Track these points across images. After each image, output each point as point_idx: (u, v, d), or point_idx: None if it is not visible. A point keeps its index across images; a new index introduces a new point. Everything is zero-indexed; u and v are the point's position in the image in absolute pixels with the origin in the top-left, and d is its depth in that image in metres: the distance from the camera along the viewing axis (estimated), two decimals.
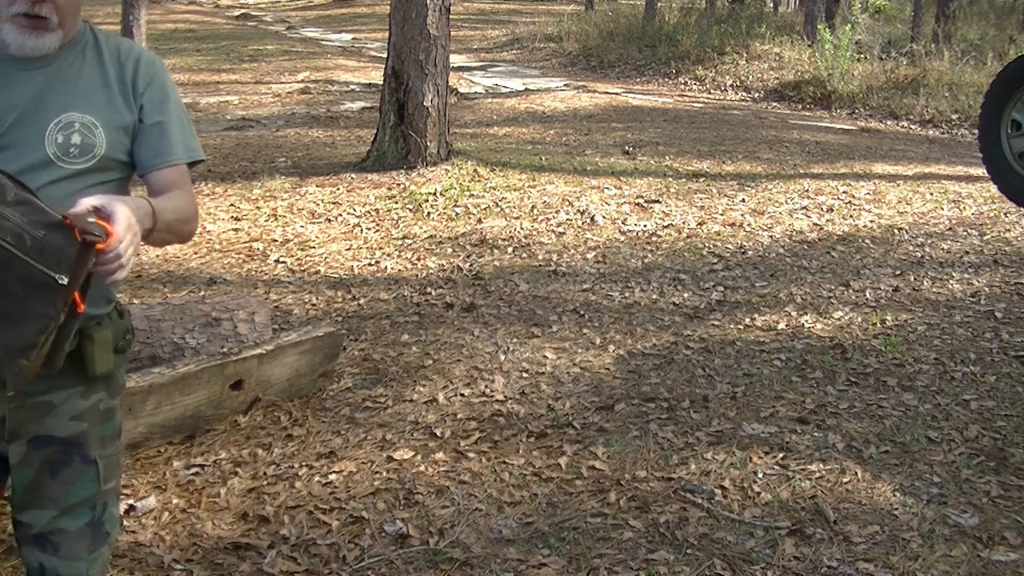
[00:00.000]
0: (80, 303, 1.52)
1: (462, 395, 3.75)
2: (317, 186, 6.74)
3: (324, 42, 17.69)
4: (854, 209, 6.43)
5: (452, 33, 7.46)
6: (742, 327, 4.46)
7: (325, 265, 5.26)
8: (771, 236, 5.87)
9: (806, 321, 4.53)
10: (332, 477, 3.11)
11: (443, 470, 3.17)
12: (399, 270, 5.23)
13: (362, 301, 4.76)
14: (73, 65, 1.80)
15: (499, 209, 6.26)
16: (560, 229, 5.93)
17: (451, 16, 7.23)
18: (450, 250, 5.54)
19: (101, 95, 1.81)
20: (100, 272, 1.52)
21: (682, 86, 13.51)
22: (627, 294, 4.89)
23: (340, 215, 6.12)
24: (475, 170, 7.02)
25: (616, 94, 12.01)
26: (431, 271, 5.22)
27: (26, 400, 1.73)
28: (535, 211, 6.24)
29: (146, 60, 1.88)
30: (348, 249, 5.52)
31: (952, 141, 9.80)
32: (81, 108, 1.77)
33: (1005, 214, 6.27)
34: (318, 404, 3.61)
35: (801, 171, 7.51)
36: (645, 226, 6.01)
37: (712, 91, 13.09)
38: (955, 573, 2.65)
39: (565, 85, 12.88)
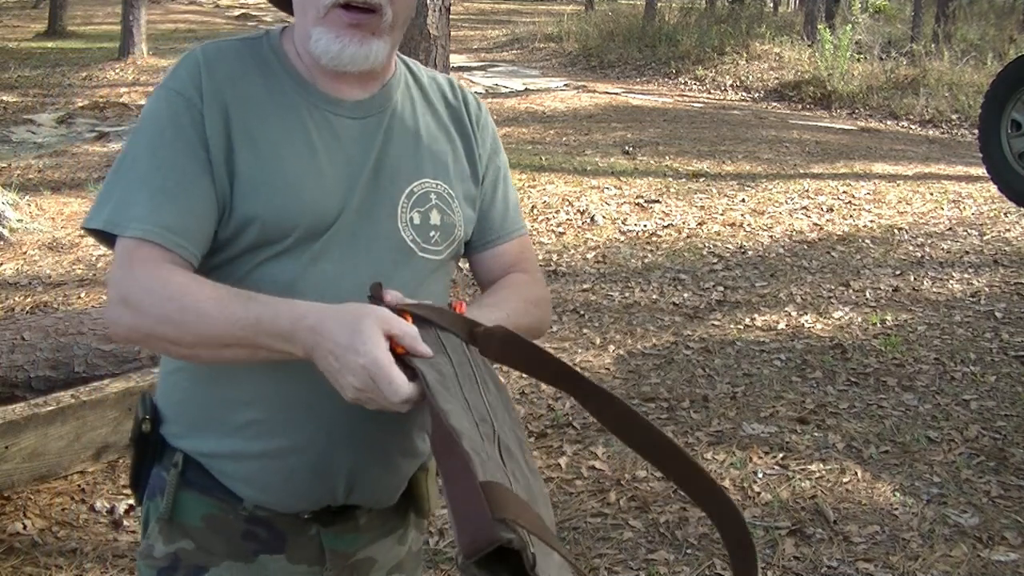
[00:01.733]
0: None
1: None
2: None
3: None
4: (854, 209, 6.43)
5: (452, 33, 7.46)
6: (742, 327, 4.46)
7: None
8: (771, 236, 5.87)
9: (806, 321, 4.53)
10: None
11: None
12: None
13: None
14: (405, 105, 1.34)
15: None
16: (560, 229, 5.93)
17: (451, 16, 7.23)
18: None
19: (447, 152, 1.35)
20: None
21: (682, 86, 13.50)
22: (627, 294, 4.89)
23: None
24: None
25: (616, 94, 12.01)
26: None
27: (346, 562, 1.33)
28: (535, 211, 6.24)
29: (474, 98, 1.43)
30: None
31: (952, 141, 9.80)
32: (431, 172, 1.31)
33: (1005, 214, 6.27)
34: None
35: (801, 171, 7.51)
36: (645, 226, 6.01)
37: (712, 91, 13.09)
38: (955, 573, 2.65)
39: (565, 85, 12.88)
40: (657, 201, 6.50)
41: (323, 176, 1.24)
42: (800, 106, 11.91)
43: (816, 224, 6.11)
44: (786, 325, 4.49)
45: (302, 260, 1.21)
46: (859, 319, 4.56)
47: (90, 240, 5.47)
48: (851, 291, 4.94)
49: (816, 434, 3.43)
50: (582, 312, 4.64)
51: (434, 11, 7.10)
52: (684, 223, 6.07)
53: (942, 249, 5.63)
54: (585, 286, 5.00)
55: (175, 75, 1.24)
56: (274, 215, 1.20)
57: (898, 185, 7.11)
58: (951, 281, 5.10)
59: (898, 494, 3.05)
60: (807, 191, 6.86)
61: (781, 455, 3.27)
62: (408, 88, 1.35)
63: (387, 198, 1.27)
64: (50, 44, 15.54)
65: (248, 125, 1.22)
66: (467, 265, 1.43)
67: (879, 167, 7.74)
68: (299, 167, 1.23)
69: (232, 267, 1.22)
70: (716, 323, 4.51)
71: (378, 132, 1.29)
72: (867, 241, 5.78)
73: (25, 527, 2.74)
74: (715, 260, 5.42)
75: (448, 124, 1.37)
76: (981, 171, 5.83)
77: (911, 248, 5.66)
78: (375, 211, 1.26)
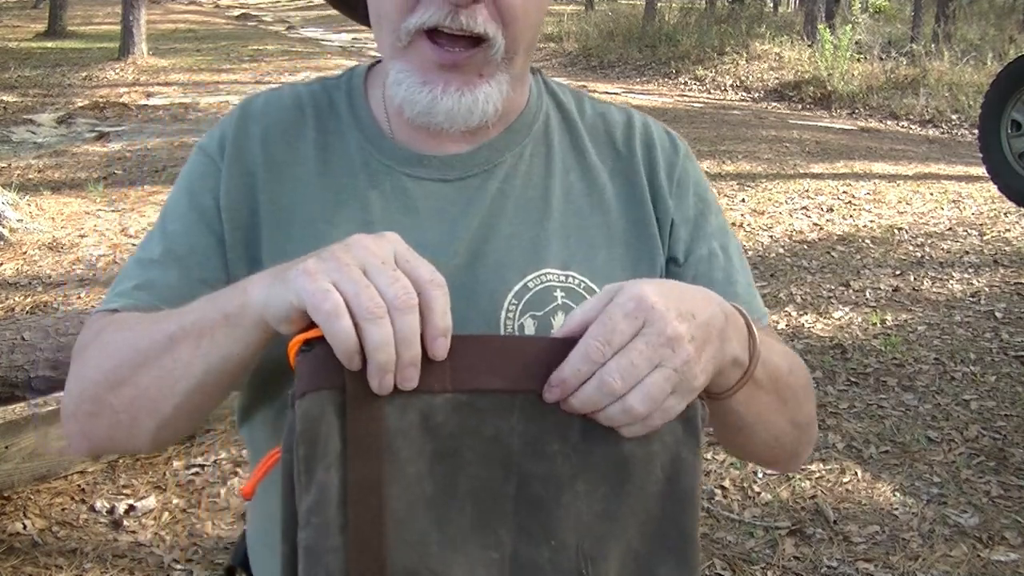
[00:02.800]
0: None
1: None
2: None
3: (324, 42, 17.70)
4: (854, 209, 6.43)
5: None
6: None
7: None
8: (771, 236, 5.87)
9: (806, 321, 4.53)
10: None
11: None
12: None
13: None
14: (533, 158, 0.96)
15: None
16: None
17: None
18: None
19: (596, 226, 0.95)
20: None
21: (682, 86, 13.50)
22: None
23: None
24: None
25: (616, 94, 12.01)
26: None
27: None
28: None
29: (668, 141, 1.01)
30: None
31: (952, 141, 9.80)
32: (561, 258, 0.92)
33: (1005, 214, 6.27)
34: None
35: (801, 171, 7.51)
36: None
37: (712, 91, 13.09)
38: (955, 573, 2.65)
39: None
40: None
41: None
42: (800, 106, 11.91)
43: (816, 224, 6.11)
44: (786, 325, 4.48)
45: None
46: (859, 319, 4.56)
47: (90, 240, 5.48)
48: (851, 291, 4.94)
49: (816, 434, 3.43)
50: None
51: None
52: None
53: (942, 249, 5.63)
54: None
55: (212, 128, 0.98)
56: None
57: (898, 185, 7.11)
58: (951, 281, 5.10)
59: (898, 494, 3.05)
60: (807, 191, 6.86)
61: None
62: (546, 131, 0.97)
63: (486, 297, 0.89)
64: (50, 44, 15.55)
65: (278, 197, 0.92)
66: None
67: (879, 167, 7.74)
68: None
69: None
70: None
71: (481, 199, 0.92)
72: (867, 241, 5.78)
73: (25, 527, 2.74)
74: None
75: (606, 183, 0.96)
76: (981, 171, 5.84)
77: (911, 248, 5.66)
78: (465, 316, 0.84)
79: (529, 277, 0.90)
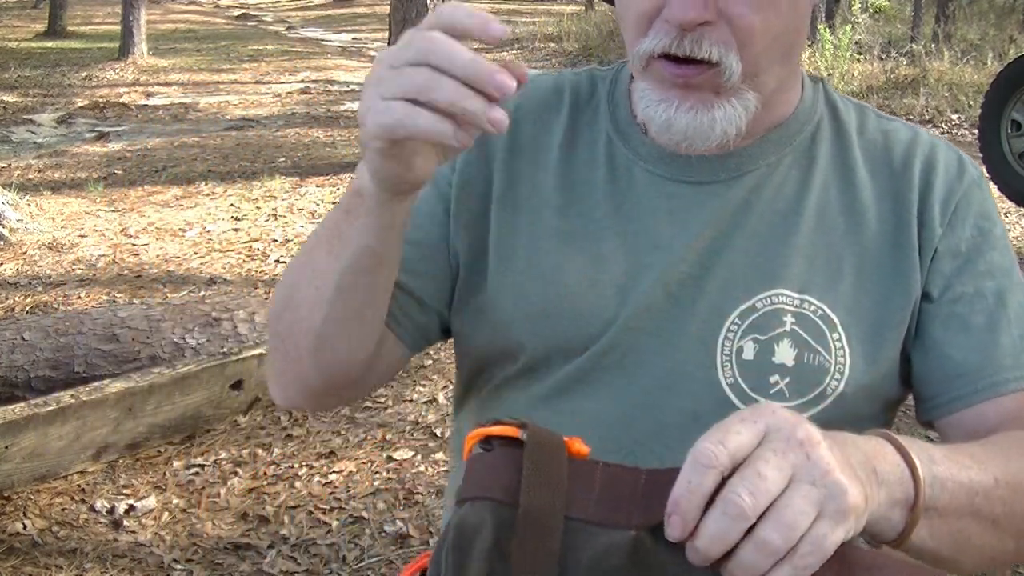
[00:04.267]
0: None
1: None
2: (317, 186, 6.73)
3: (324, 42, 17.70)
4: None
5: None
6: None
7: None
8: None
9: None
10: (332, 477, 3.11)
11: (443, 470, 3.17)
12: None
13: None
14: (790, 170, 0.89)
15: None
16: None
17: None
18: None
19: (848, 252, 0.86)
20: None
21: None
22: None
23: None
24: None
25: None
26: None
27: None
28: None
29: (955, 165, 0.91)
30: None
31: (952, 141, 9.79)
32: (799, 281, 0.84)
33: (1005, 214, 6.26)
34: None
35: None
36: None
37: None
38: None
39: None
40: None
41: (602, 266, 0.85)
42: None
43: None
44: None
45: (542, 388, 0.86)
46: None
47: (90, 240, 5.48)
48: None
49: None
50: None
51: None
52: None
53: None
54: None
55: None
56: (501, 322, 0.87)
57: None
58: None
59: None
60: None
61: None
62: (813, 143, 0.90)
63: (707, 313, 0.84)
64: (50, 44, 15.55)
65: (515, 180, 0.90)
66: None
67: None
68: (557, 252, 0.86)
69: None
70: None
71: (722, 207, 0.86)
72: None
73: (25, 527, 2.74)
74: None
75: (870, 203, 0.87)
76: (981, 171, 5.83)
77: None
78: (680, 329, 0.83)
79: (759, 297, 0.83)
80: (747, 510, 0.53)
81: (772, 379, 0.81)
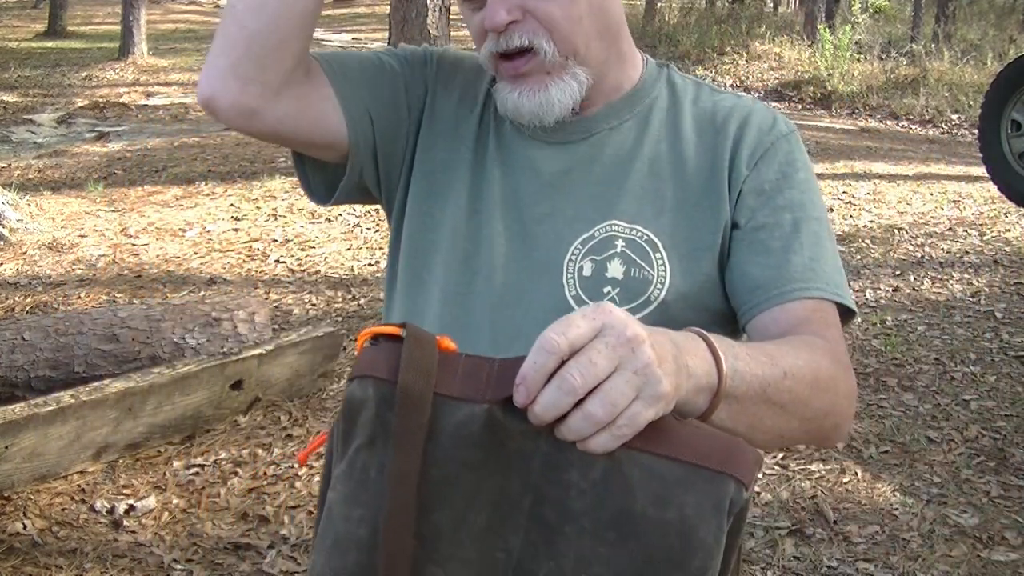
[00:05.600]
0: None
1: None
2: None
3: (324, 42, 17.69)
4: (854, 209, 6.43)
5: (452, 33, 7.46)
6: None
7: (325, 265, 5.26)
8: None
9: None
10: None
11: None
12: None
13: (362, 301, 4.76)
14: (625, 134, 1.08)
15: None
16: None
17: (451, 16, 7.23)
18: None
19: (671, 190, 1.05)
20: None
21: None
22: None
23: (340, 215, 6.12)
24: None
25: None
26: None
27: None
28: None
29: (766, 125, 1.09)
30: (348, 249, 5.52)
31: (952, 141, 9.80)
32: (630, 213, 1.03)
33: (1005, 214, 6.26)
34: (318, 404, 3.61)
35: None
36: None
37: None
38: (955, 573, 2.65)
39: None
40: None
41: (478, 201, 1.08)
42: (800, 106, 11.91)
43: None
44: None
45: (448, 279, 1.08)
46: (859, 319, 4.56)
47: (90, 240, 5.48)
48: (851, 291, 4.93)
49: None
50: None
51: (434, 11, 7.10)
52: None
53: (942, 249, 5.63)
54: None
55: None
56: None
57: (898, 185, 7.10)
58: (951, 281, 5.10)
59: (898, 494, 3.05)
60: None
61: (781, 455, 3.27)
62: (650, 111, 1.09)
63: (556, 242, 1.03)
64: (50, 44, 15.55)
65: (432, 115, 1.13)
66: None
67: (879, 167, 7.74)
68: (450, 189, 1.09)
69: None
70: None
71: (572, 160, 1.07)
72: (867, 241, 5.77)
73: (25, 527, 2.74)
74: None
75: (691, 154, 1.06)
76: (981, 171, 5.83)
77: (911, 248, 5.66)
78: (537, 260, 1.03)
79: (598, 227, 1.03)
80: (577, 387, 0.67)
81: (605, 290, 1.00)
